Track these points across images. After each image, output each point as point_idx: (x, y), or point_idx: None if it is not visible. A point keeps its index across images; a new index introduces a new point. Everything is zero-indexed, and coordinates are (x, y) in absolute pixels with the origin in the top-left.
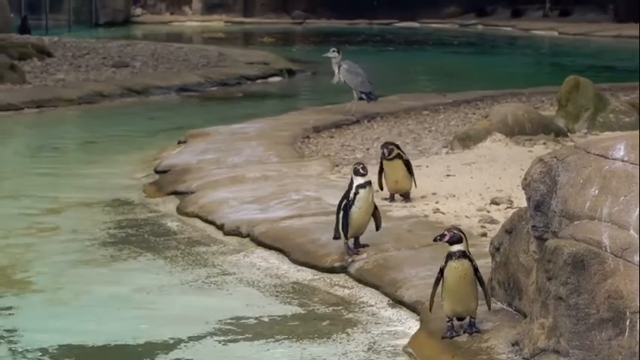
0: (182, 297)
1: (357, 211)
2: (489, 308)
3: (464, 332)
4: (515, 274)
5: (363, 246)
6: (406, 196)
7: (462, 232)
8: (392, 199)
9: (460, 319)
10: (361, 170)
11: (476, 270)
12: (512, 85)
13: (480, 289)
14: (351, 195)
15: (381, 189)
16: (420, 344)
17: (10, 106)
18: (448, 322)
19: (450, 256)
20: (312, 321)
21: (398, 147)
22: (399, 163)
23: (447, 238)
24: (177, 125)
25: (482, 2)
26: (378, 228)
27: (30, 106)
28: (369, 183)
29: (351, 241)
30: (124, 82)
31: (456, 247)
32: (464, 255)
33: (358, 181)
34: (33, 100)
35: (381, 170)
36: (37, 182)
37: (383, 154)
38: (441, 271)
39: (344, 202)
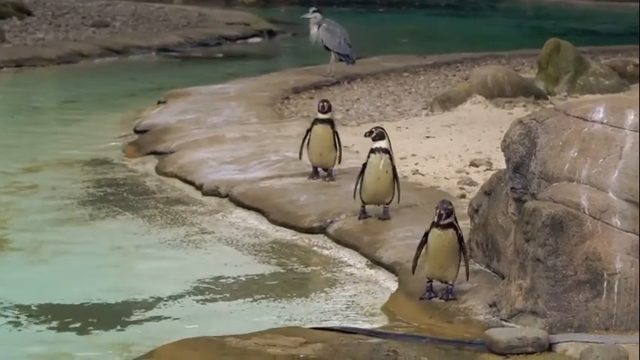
0: (160, 256)
1: (367, 175)
2: (467, 279)
3: (440, 298)
4: (494, 235)
5: (386, 218)
6: (329, 174)
7: (451, 207)
8: (315, 173)
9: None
10: (372, 135)
11: (460, 239)
12: (492, 48)
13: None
14: (366, 158)
15: (300, 157)
16: (399, 304)
17: None
18: (428, 282)
19: (436, 224)
20: (290, 280)
21: (331, 115)
22: (328, 130)
23: (443, 217)
24: (157, 85)
25: None
26: (397, 199)
27: (9, 65)
28: (381, 150)
29: (385, 208)
30: (104, 42)
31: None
32: (450, 225)
33: (372, 145)
34: (12, 59)
35: (307, 135)
36: (16, 141)
37: (320, 109)
38: (426, 234)
39: (362, 164)
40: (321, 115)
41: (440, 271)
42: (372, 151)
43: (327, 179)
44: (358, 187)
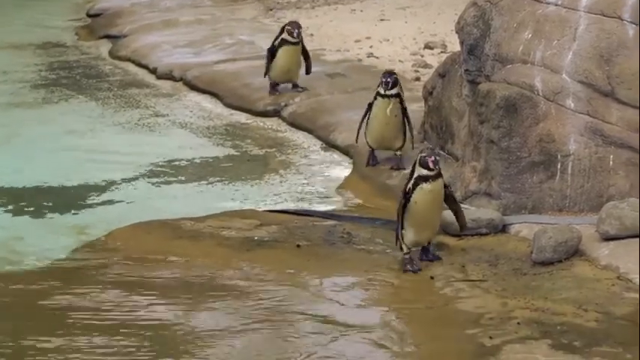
0: (114, 139)
1: (374, 119)
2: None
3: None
4: (448, 117)
5: (400, 168)
6: (295, 85)
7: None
8: (273, 88)
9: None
10: (388, 86)
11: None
12: None
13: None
14: (372, 99)
15: (265, 75)
16: (353, 186)
17: None
18: (406, 254)
19: (423, 178)
20: (244, 162)
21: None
22: (297, 50)
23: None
24: None
25: None
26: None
27: None
28: (390, 96)
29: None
30: None
31: (425, 172)
32: (438, 175)
33: (379, 90)
34: None
35: (273, 54)
36: None
37: (290, 33)
38: (407, 195)
39: (367, 104)
40: (291, 39)
41: (429, 230)
42: (381, 95)
43: (299, 89)
44: (363, 130)
